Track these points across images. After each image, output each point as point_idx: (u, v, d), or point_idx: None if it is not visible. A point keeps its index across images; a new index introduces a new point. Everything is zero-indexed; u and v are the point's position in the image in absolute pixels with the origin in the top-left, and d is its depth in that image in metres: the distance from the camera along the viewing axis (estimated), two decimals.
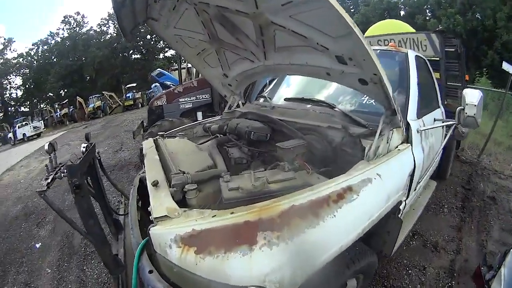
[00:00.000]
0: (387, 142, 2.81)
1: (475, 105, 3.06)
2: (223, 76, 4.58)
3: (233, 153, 3.47)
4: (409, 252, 4.46)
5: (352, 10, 48.42)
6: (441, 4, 33.96)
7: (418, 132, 3.26)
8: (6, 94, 60.74)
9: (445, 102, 5.90)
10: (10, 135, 31.52)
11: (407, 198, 3.07)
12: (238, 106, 5.02)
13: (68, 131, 26.73)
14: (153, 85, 22.82)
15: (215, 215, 1.90)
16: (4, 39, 60.34)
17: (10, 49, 60.14)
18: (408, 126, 3.16)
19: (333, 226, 1.94)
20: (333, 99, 3.84)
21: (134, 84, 39.21)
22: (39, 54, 60.21)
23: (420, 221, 4.51)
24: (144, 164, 3.25)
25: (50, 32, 62.80)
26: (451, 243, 4.70)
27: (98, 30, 59.55)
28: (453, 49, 6.30)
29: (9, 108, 60.92)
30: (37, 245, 6.03)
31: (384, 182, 2.48)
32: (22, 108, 60.75)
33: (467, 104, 3.11)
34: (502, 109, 10.61)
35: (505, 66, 8.43)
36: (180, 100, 10.39)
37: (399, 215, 2.92)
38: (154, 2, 3.12)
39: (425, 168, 3.57)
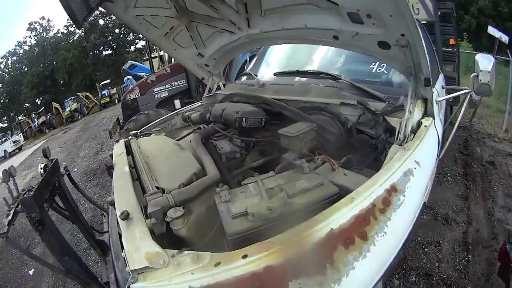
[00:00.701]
0: (410, 118, 2.44)
1: (488, 72, 2.72)
2: (198, 56, 4.08)
3: (222, 147, 2.94)
4: (421, 228, 4.30)
5: None
6: None
7: (436, 103, 2.85)
8: None
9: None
10: None
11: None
12: (218, 88, 4.55)
13: (48, 139, 26.34)
14: (126, 78, 22.03)
15: (219, 263, 1.30)
16: None
17: None
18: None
19: (384, 244, 1.47)
20: (334, 69, 3.43)
21: (108, 81, 38.78)
22: (9, 67, 59.05)
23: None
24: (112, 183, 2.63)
25: (17, 41, 61.14)
26: (461, 214, 4.67)
27: (65, 31, 57.77)
28: (449, 11, 6.15)
29: None
30: (30, 272, 5.72)
31: (423, 170, 2.05)
32: (0, 125, 59.58)
33: (481, 71, 2.75)
34: None
35: (491, 30, 8.56)
36: (155, 89, 9.91)
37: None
38: None
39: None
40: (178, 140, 3.28)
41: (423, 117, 2.59)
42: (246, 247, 1.35)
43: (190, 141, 3.09)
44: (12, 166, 2.67)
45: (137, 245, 1.53)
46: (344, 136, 2.65)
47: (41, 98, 56.58)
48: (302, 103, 3.02)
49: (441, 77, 4.33)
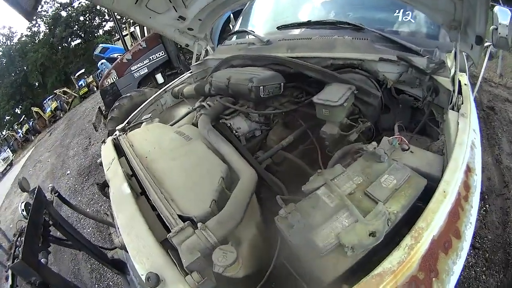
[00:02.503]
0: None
1: (506, 25, 2.50)
2: (178, 20, 3.56)
3: (239, 127, 2.39)
4: None
5: None
6: None
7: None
8: None
9: None
10: None
11: None
12: (207, 54, 4.01)
13: (36, 146, 25.88)
14: (99, 63, 21.29)
15: None
16: None
17: None
18: None
19: (469, 237, 1.35)
20: (350, 17, 2.99)
21: (83, 70, 38.32)
22: None
23: None
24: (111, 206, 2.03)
25: None
26: None
27: (29, 33, 56.71)
28: None
29: None
30: None
31: (478, 137, 1.87)
32: None
33: (500, 24, 2.52)
34: None
35: None
36: (132, 68, 9.36)
37: None
38: None
39: None
40: (174, 124, 2.80)
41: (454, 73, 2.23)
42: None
43: (197, 125, 2.48)
44: None
45: None
46: (387, 97, 2.34)
47: (20, 106, 55.99)
48: (329, 60, 2.54)
49: None
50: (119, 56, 13.18)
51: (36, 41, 54.00)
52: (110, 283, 4.85)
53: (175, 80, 4.02)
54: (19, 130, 36.67)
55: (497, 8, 2.62)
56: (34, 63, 51.68)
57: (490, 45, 2.74)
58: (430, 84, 2.17)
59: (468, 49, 2.19)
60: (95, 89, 31.36)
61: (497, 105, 6.17)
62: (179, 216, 1.46)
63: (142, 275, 1.29)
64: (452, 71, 2.07)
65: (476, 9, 1.85)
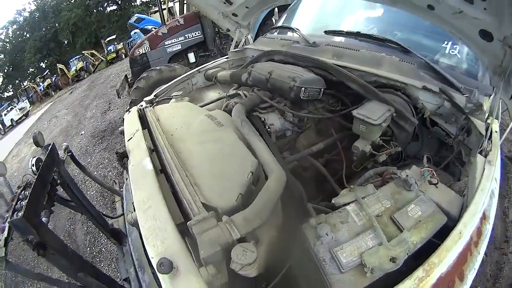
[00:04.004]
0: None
1: None
2: (224, 3, 3.58)
3: (273, 123, 2.32)
4: None
5: None
6: None
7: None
8: None
9: None
10: None
11: None
12: (246, 42, 3.98)
13: (55, 102, 26.19)
14: (132, 32, 21.35)
15: None
16: None
17: None
18: None
19: (471, 281, 1.38)
20: (395, 37, 2.85)
21: (114, 36, 38.81)
22: (10, 36, 59.22)
23: None
24: (129, 182, 1.95)
25: (16, 10, 61.16)
26: None
27: None
28: None
29: None
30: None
31: (498, 187, 1.83)
32: (6, 94, 60.91)
33: None
34: None
35: None
36: (166, 43, 9.27)
37: None
38: None
39: None
40: (204, 106, 2.73)
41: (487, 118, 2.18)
42: None
43: (229, 113, 2.39)
44: (2, 163, 2.31)
45: None
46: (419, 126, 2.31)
47: (45, 61, 57.04)
48: (374, 76, 2.48)
49: None
50: (153, 29, 13.19)
51: (72, 1, 54.40)
52: (103, 248, 4.87)
53: (210, 63, 3.93)
54: (41, 84, 37.19)
55: None
56: (66, 21, 52.17)
57: None
58: (465, 123, 2.14)
59: (507, 99, 2.13)
60: (123, 56, 31.74)
61: None
62: (203, 204, 1.40)
63: (152, 258, 1.23)
64: (487, 116, 2.03)
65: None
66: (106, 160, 7.73)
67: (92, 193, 6.30)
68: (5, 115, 29.98)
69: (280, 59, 2.88)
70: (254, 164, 1.68)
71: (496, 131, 2.09)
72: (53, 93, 34.51)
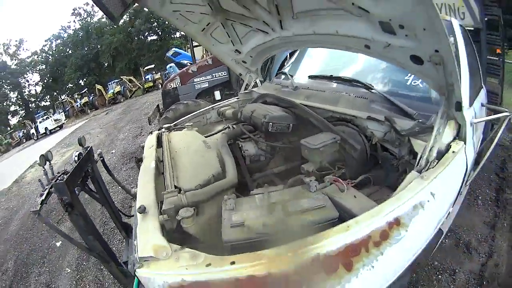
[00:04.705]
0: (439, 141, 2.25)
1: None
2: (235, 52, 4.06)
3: (247, 149, 2.96)
4: (441, 252, 4.02)
5: None
6: None
7: (471, 125, 2.61)
8: (25, 92, 63.18)
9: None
10: (33, 130, 32.91)
11: (452, 206, 2.45)
12: (256, 85, 4.56)
13: (90, 120, 27.31)
14: (168, 65, 22.21)
15: (209, 264, 1.44)
16: (16, 40, 63.28)
17: (23, 49, 62.55)
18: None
19: (369, 279, 1.44)
20: (369, 77, 3.24)
21: (152, 66, 39.71)
22: (54, 49, 61.80)
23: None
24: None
25: (61, 26, 63.94)
26: (484, 243, 4.25)
27: None
28: (496, 17, 5.62)
29: (30, 105, 63.26)
30: (58, 244, 6.14)
31: (438, 202, 1.90)
32: (43, 103, 63.20)
33: None
34: None
35: None
36: (195, 80, 10.00)
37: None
38: None
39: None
40: (208, 136, 3.35)
41: (454, 139, 2.38)
42: (237, 255, 1.45)
43: (217, 141, 3.12)
44: (49, 151, 2.77)
45: (148, 236, 1.72)
46: (368, 151, 2.58)
47: (84, 79, 58.71)
48: (331, 112, 2.98)
49: (482, 92, 3.98)
50: (188, 64, 13.99)
51: (115, 26, 54.95)
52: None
53: (224, 101, 4.60)
54: (78, 100, 38.50)
55: None
56: (108, 45, 53.97)
57: (509, 116, 2.74)
58: (409, 145, 2.33)
59: (454, 111, 2.26)
60: (160, 86, 31.66)
61: None
62: (175, 186, 2.20)
63: (137, 205, 2.03)
64: (433, 137, 2.14)
65: (452, 76, 2.00)
66: (131, 178, 8.29)
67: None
68: (40, 122, 31.21)
69: (270, 100, 3.47)
70: (217, 171, 2.43)
71: (454, 151, 2.21)
72: (88, 111, 35.60)
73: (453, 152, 2.23)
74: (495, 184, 5.60)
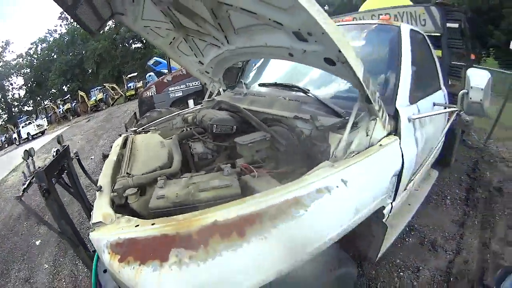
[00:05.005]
0: (367, 135, 2.44)
1: (481, 89, 2.63)
2: (198, 63, 4.35)
3: (195, 148, 3.24)
4: (404, 250, 4.14)
5: None
6: None
7: (410, 121, 2.82)
8: (8, 95, 62.30)
9: (449, 83, 5.41)
10: (15, 135, 32.64)
11: (393, 201, 2.71)
12: (219, 93, 4.85)
13: (71, 126, 27.19)
14: (148, 74, 22.32)
15: (138, 225, 1.80)
16: (2, 41, 61.50)
17: (8, 51, 62.50)
18: (397, 114, 2.75)
19: (263, 251, 1.58)
20: (315, 83, 3.44)
21: (135, 74, 39.58)
22: (39, 53, 60.96)
23: (419, 214, 4.28)
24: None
25: (48, 29, 63.00)
26: (451, 241, 4.32)
27: None
28: (456, 24, 5.70)
29: (13, 109, 62.38)
30: (37, 242, 6.40)
31: (352, 190, 2.04)
32: (26, 108, 62.25)
33: (471, 87, 2.69)
34: (510, 91, 9.38)
35: None
36: (170, 89, 10.47)
37: (385, 220, 2.59)
38: None
39: (420, 163, 3.19)
40: (168, 138, 3.65)
41: (389, 135, 2.60)
42: (157, 219, 1.79)
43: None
44: (32, 147, 3.07)
45: (100, 207, 2.14)
46: (297, 148, 2.73)
47: (68, 85, 58.13)
48: (265, 114, 3.24)
49: (440, 92, 4.23)
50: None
51: (100, 32, 55.16)
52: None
53: (188, 109, 4.90)
54: (61, 106, 38.09)
55: (470, 71, 2.77)
56: (93, 51, 53.45)
57: (456, 110, 2.90)
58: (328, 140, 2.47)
59: (371, 109, 2.40)
60: None
61: (507, 187, 5.68)
62: (127, 173, 2.56)
63: (99, 183, 2.53)
64: (347, 129, 2.26)
65: (353, 71, 2.08)
66: None
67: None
68: (22, 127, 31.06)
69: (224, 106, 3.78)
70: (164, 163, 2.76)
71: (381, 145, 2.43)
72: (71, 118, 35.33)
73: (380, 145, 2.44)
74: (466, 184, 5.85)
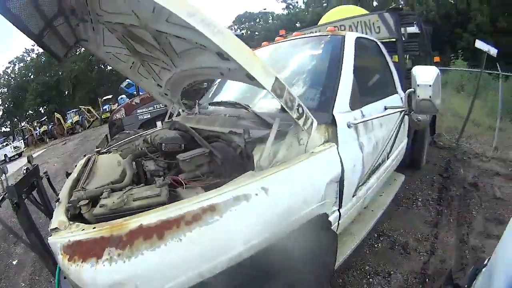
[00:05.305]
0: (300, 144, 2.52)
1: (429, 85, 2.51)
2: (157, 86, 4.43)
3: (147, 166, 3.34)
4: (373, 256, 4.03)
5: (324, 4, 48.38)
6: None
7: (350, 127, 2.84)
8: None
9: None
10: None
11: (340, 208, 2.73)
12: (179, 114, 4.99)
13: (48, 149, 26.77)
14: (119, 97, 22.08)
15: (83, 229, 1.99)
16: None
17: None
18: (334, 121, 2.74)
19: (178, 251, 1.77)
20: (265, 98, 3.48)
21: (110, 96, 39.02)
22: (16, 72, 59.80)
23: (388, 220, 4.45)
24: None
25: (25, 49, 60.76)
26: (424, 242, 4.21)
27: None
28: (416, 29, 5.64)
29: None
30: (14, 262, 6.45)
31: (275, 197, 2.11)
32: (3, 128, 60.47)
33: (418, 85, 2.56)
34: (478, 89, 9.66)
35: (478, 44, 7.86)
36: (138, 111, 10.67)
37: (334, 227, 2.65)
38: (77, 26, 3.08)
39: (369, 168, 3.13)
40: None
41: (328, 141, 2.67)
42: (98, 224, 1.98)
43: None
44: (5, 165, 3.21)
45: (57, 215, 2.39)
46: (232, 161, 2.79)
47: (45, 107, 56.99)
48: (206, 132, 3.30)
49: (396, 96, 4.25)
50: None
51: (77, 53, 53.03)
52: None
53: (151, 130, 5.05)
54: (38, 128, 37.35)
55: (416, 69, 2.65)
56: (69, 72, 52.52)
57: (403, 110, 2.78)
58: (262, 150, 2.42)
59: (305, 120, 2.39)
60: None
61: (482, 180, 5.75)
62: (82, 188, 2.74)
63: (59, 196, 2.78)
64: (270, 140, 2.29)
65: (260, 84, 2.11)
66: None
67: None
68: None
69: (177, 126, 3.91)
70: (115, 179, 2.91)
71: (313, 152, 2.48)
72: (47, 140, 34.67)
73: (312, 153, 2.47)
74: (438, 184, 5.84)
